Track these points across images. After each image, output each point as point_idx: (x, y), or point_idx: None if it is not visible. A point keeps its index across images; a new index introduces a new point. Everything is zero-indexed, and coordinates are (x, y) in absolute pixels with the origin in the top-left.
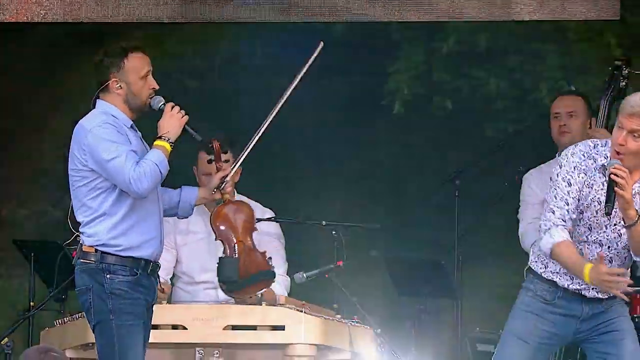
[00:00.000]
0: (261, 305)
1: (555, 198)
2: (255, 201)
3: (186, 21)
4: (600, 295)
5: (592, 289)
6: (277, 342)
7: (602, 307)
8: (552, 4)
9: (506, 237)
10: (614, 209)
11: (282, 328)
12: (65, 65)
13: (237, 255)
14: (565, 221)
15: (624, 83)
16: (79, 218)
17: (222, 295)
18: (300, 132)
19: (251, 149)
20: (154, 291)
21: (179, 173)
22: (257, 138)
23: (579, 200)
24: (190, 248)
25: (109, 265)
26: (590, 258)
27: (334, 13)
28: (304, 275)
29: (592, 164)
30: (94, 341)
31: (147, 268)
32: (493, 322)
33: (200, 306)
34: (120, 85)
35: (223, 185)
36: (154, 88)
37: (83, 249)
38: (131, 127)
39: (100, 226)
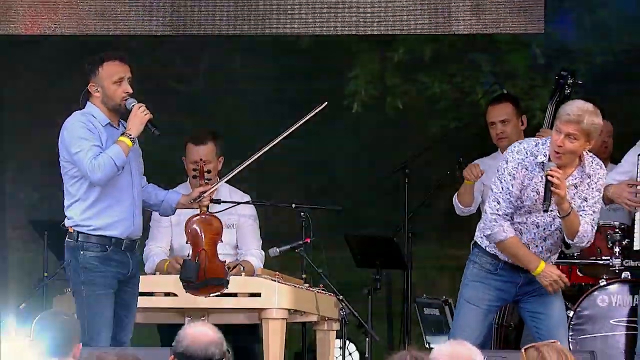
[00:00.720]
0: (241, 275)
1: (501, 190)
2: (237, 188)
3: (175, 33)
4: None
5: None
6: (255, 307)
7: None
8: (486, 20)
9: (447, 217)
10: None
11: (258, 295)
12: (73, 70)
13: (198, 261)
14: (508, 215)
15: (568, 91)
16: (65, 203)
17: None
18: (273, 129)
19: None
20: (129, 264)
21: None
22: (239, 169)
23: (520, 191)
24: (178, 225)
25: (83, 242)
26: (527, 238)
27: (303, 26)
28: (277, 250)
29: (533, 160)
30: None
31: (118, 245)
32: (437, 290)
33: None
34: (97, 89)
35: (201, 198)
36: (127, 92)
37: (68, 230)
38: (108, 124)
39: (76, 209)
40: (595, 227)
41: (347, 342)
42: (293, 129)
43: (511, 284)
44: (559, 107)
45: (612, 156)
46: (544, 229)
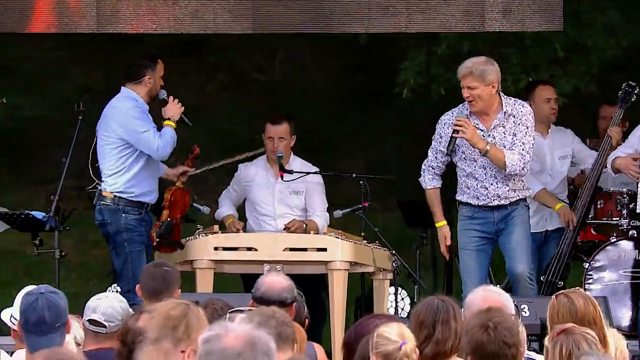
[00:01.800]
0: (309, 233)
1: (432, 147)
2: (307, 161)
3: (255, 32)
4: (502, 202)
5: (494, 200)
6: (322, 260)
7: (507, 210)
8: (514, 19)
9: None
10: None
11: (325, 250)
12: (169, 64)
13: (173, 223)
14: (433, 167)
15: (634, 99)
16: (105, 172)
17: (280, 225)
18: (336, 112)
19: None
20: (151, 223)
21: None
22: (210, 167)
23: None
24: (255, 189)
25: (124, 207)
26: (482, 179)
27: (362, 26)
28: (340, 212)
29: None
30: (192, 258)
31: (148, 209)
32: None
33: (267, 234)
34: (150, 81)
35: (181, 176)
36: (161, 84)
37: (103, 194)
38: (147, 110)
39: (120, 179)
40: (527, 156)
41: (399, 289)
42: (241, 157)
43: (489, 223)
44: (626, 112)
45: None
46: (490, 168)
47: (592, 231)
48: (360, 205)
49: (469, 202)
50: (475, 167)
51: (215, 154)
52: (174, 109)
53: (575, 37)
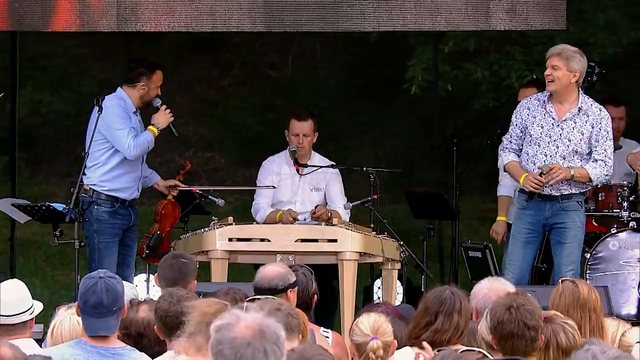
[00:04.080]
0: (321, 225)
1: (509, 130)
2: (323, 156)
3: (268, 30)
4: (553, 193)
5: (546, 187)
6: (332, 250)
7: (559, 205)
8: (519, 18)
9: (487, 178)
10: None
11: (335, 241)
12: (186, 61)
13: (162, 236)
14: (509, 148)
15: (595, 79)
16: (87, 164)
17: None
18: (346, 107)
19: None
20: (131, 217)
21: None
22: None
23: (526, 127)
24: (278, 185)
25: (96, 199)
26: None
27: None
28: (350, 204)
29: (536, 101)
30: (207, 249)
31: (123, 203)
32: (479, 236)
33: (280, 226)
34: (144, 87)
35: (172, 189)
36: (158, 94)
37: (83, 186)
38: (135, 112)
39: (96, 172)
40: (609, 162)
41: (406, 279)
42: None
43: (539, 214)
44: (587, 91)
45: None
46: (551, 156)
47: (594, 222)
48: (369, 198)
49: (524, 190)
50: (537, 152)
51: (229, 147)
52: (162, 117)
53: (577, 34)
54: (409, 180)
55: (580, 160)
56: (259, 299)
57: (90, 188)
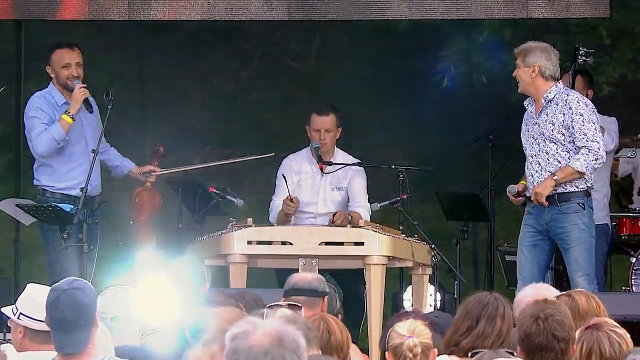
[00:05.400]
0: (346, 227)
1: None
2: (348, 153)
3: (290, 18)
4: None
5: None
6: (359, 254)
7: (558, 208)
8: (558, 5)
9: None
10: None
11: (362, 244)
12: (201, 52)
13: (138, 226)
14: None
15: (582, 60)
16: (34, 165)
17: (320, 223)
18: (371, 102)
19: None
20: (92, 214)
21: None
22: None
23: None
24: (299, 185)
25: (47, 199)
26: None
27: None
28: (378, 205)
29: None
30: (225, 252)
31: (77, 200)
32: (516, 240)
33: (302, 227)
34: (51, 72)
35: (150, 175)
36: (72, 75)
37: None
38: (65, 103)
39: (41, 172)
40: (595, 145)
41: (438, 284)
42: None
43: (540, 217)
44: (575, 75)
45: None
46: (535, 155)
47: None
48: (398, 198)
49: (529, 195)
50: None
51: (249, 141)
52: (73, 99)
53: (621, 22)
54: (441, 179)
55: (565, 151)
56: (279, 305)
57: (40, 189)
